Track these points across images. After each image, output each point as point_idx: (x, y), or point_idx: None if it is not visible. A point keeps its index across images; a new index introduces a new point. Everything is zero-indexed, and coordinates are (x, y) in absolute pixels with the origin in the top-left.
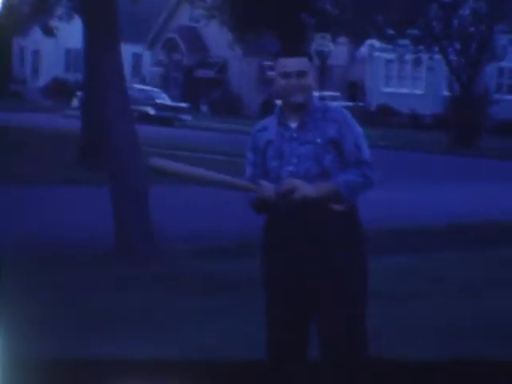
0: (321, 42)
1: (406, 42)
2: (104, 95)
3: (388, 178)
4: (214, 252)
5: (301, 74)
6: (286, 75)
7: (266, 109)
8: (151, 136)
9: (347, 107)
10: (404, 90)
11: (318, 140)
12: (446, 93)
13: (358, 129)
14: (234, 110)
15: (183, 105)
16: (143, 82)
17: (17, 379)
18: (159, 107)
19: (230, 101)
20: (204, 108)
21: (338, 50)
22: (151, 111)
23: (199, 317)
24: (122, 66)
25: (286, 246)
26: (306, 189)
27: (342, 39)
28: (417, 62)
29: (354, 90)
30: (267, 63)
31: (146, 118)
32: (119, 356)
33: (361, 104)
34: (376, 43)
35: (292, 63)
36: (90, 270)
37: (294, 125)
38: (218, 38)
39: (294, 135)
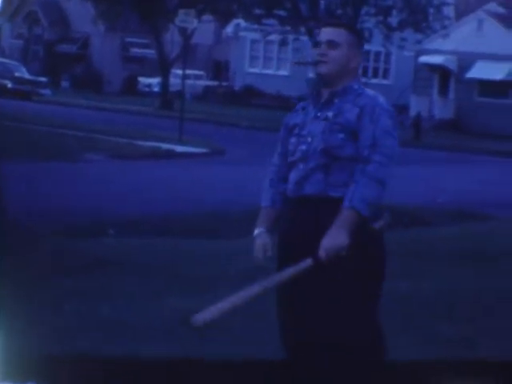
0: (184, 18)
1: (272, 22)
2: None
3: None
4: (66, 230)
5: (331, 44)
6: (317, 44)
7: (129, 86)
8: (8, 109)
9: (211, 87)
10: (269, 71)
11: (330, 115)
12: (311, 74)
13: (385, 122)
14: (95, 86)
15: (42, 79)
16: (3, 54)
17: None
18: (17, 80)
19: (91, 77)
20: (65, 83)
21: (203, 29)
22: (9, 84)
23: (52, 299)
24: None
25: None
26: (339, 243)
27: (207, 17)
28: (283, 43)
29: (218, 70)
30: (130, 39)
31: (3, 91)
32: (119, 356)
33: (225, 84)
34: (242, 22)
35: (324, 32)
36: None
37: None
38: (80, 12)
39: (318, 114)
